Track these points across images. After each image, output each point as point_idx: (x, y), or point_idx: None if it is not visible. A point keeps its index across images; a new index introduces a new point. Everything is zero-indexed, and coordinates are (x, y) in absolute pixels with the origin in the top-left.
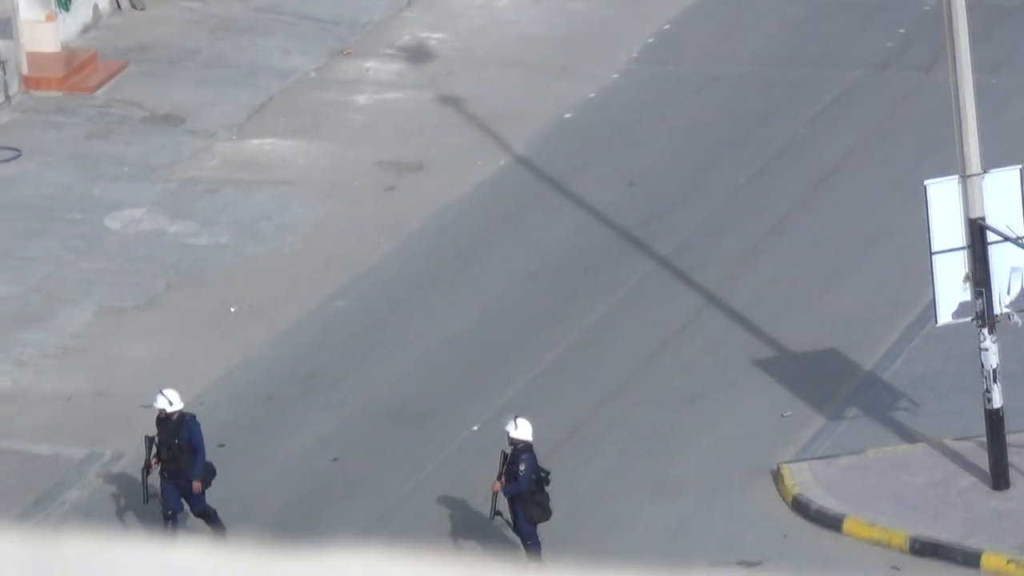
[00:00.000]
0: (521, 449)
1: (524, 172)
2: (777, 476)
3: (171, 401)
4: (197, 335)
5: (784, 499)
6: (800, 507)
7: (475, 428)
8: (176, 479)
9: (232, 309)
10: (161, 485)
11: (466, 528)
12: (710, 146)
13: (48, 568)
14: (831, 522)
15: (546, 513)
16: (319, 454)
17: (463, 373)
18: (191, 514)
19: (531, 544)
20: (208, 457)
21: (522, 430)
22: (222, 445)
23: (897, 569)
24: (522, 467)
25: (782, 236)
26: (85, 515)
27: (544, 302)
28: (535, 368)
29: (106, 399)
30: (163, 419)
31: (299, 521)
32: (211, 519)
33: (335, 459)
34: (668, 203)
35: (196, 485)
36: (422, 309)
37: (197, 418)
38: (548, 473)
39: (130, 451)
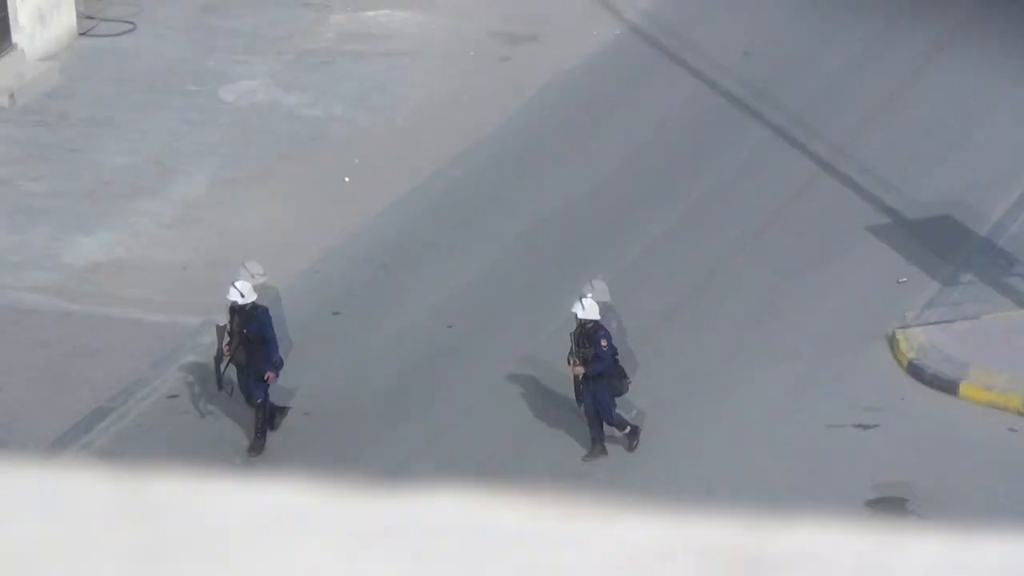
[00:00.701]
0: (592, 328)
1: (638, 41)
2: (893, 341)
3: (243, 293)
4: (311, 205)
5: (900, 364)
6: (916, 371)
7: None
8: (244, 369)
9: (346, 179)
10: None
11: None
12: (824, 16)
13: (135, 509)
14: (947, 386)
15: (627, 384)
16: (434, 321)
17: (578, 241)
18: (246, 403)
19: (618, 419)
20: (318, 326)
21: (590, 310)
22: (337, 313)
23: (1014, 431)
24: (604, 343)
25: (896, 106)
26: (202, 380)
27: (659, 171)
28: (649, 236)
29: (221, 269)
30: (235, 310)
31: (415, 386)
32: (262, 411)
33: (450, 326)
34: (782, 72)
35: (270, 376)
36: (536, 178)
37: (269, 311)
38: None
39: None
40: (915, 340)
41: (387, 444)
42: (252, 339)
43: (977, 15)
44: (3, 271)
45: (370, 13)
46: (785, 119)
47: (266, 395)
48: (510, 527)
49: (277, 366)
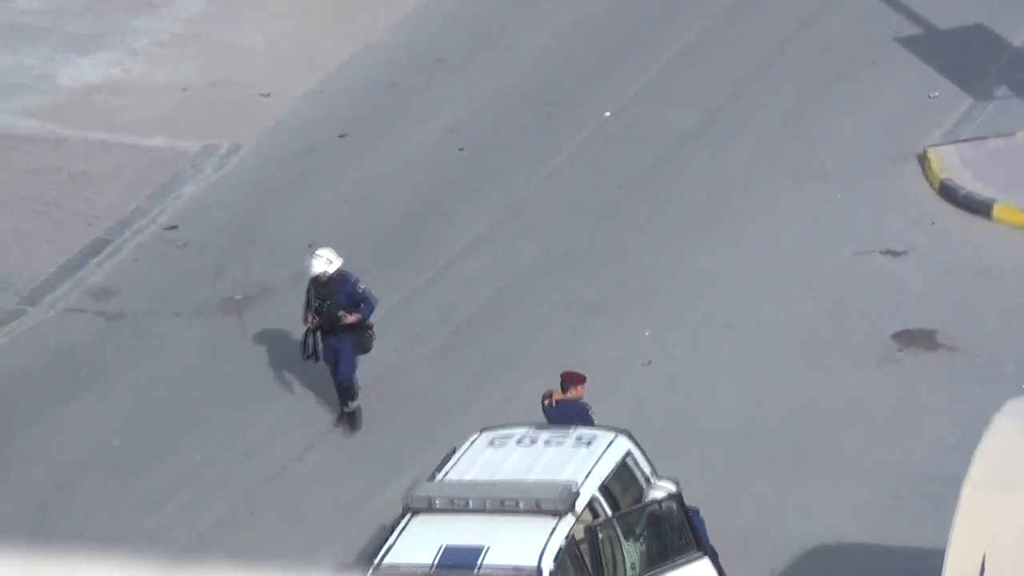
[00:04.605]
0: (338, 277)
1: None
2: (923, 160)
3: None
4: (316, 21)
5: (931, 184)
6: (947, 192)
7: (607, 114)
8: None
9: None
10: None
11: (596, 221)
12: None
13: None
14: (980, 208)
15: (372, 339)
16: (446, 143)
17: (595, 57)
18: None
19: (351, 385)
20: (325, 150)
21: (332, 260)
22: (344, 135)
23: None
24: (361, 287)
25: None
26: (201, 209)
27: None
28: (670, 50)
29: (222, 89)
30: None
31: (428, 211)
32: None
33: (461, 149)
34: None
35: None
36: None
37: None
38: None
39: (247, 143)
40: (947, 159)
41: (391, 277)
42: None
43: None
44: None
45: None
46: None
47: None
48: None
49: None
